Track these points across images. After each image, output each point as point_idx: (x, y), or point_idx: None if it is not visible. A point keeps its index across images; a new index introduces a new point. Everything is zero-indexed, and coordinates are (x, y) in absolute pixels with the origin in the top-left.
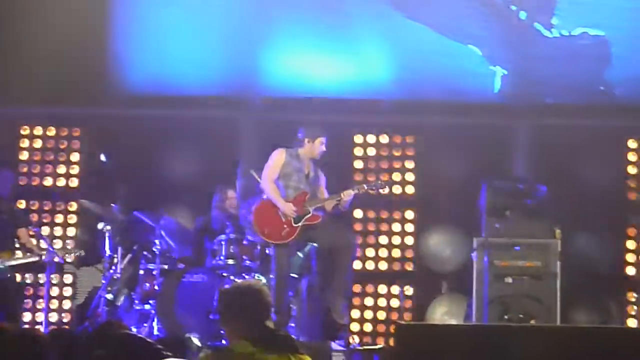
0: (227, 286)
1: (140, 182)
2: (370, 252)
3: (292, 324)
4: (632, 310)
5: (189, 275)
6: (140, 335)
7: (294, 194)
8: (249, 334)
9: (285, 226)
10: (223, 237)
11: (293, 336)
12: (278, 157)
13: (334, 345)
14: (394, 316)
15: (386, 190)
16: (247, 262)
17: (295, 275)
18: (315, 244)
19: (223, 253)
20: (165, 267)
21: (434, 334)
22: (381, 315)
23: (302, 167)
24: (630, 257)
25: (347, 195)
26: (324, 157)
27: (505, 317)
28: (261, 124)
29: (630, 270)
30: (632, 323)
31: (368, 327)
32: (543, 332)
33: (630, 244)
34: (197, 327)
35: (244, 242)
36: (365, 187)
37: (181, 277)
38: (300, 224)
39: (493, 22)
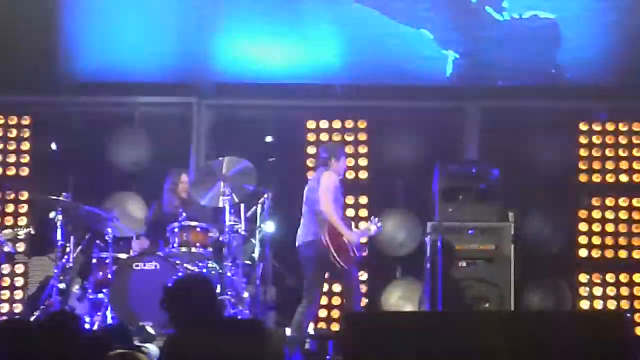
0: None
1: (92, 170)
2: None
3: (247, 311)
4: (584, 291)
5: (142, 264)
6: (89, 325)
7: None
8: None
9: (350, 254)
10: (176, 224)
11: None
12: (333, 181)
13: (289, 331)
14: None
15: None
16: (200, 249)
17: (249, 262)
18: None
19: (176, 241)
20: (118, 255)
21: (382, 321)
22: (336, 301)
23: (342, 189)
24: (582, 239)
25: (372, 231)
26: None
27: (460, 301)
28: (213, 110)
29: (582, 252)
30: (584, 305)
31: (323, 313)
32: (492, 317)
33: (582, 226)
34: (150, 315)
35: (197, 229)
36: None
37: (134, 265)
38: (361, 254)
39: (444, 6)
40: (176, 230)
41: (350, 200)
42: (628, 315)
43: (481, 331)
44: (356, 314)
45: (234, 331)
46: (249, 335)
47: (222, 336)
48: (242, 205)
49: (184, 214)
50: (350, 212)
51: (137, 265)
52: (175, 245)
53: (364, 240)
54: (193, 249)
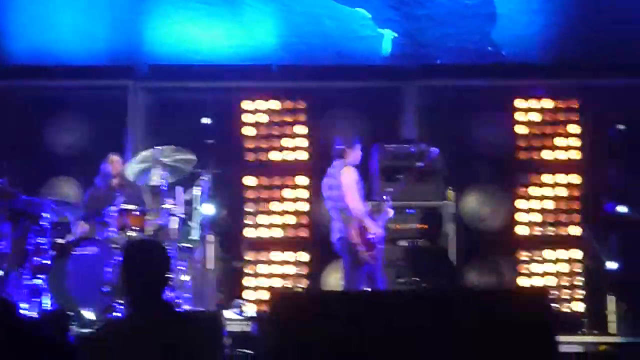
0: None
1: (27, 155)
2: (263, 219)
3: (187, 294)
4: (523, 269)
5: (79, 248)
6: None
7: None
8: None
9: (373, 249)
10: (113, 208)
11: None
12: (352, 175)
13: (229, 314)
14: (290, 283)
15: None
16: (139, 233)
17: (189, 246)
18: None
19: (114, 224)
20: (56, 240)
21: (312, 301)
22: (276, 282)
23: (361, 181)
24: (521, 217)
25: (390, 214)
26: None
27: (400, 280)
28: (148, 92)
29: (521, 230)
30: (523, 282)
31: (264, 295)
32: (423, 295)
33: (521, 204)
34: (89, 300)
35: (135, 212)
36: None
37: (72, 249)
38: (378, 248)
39: None
40: (113, 214)
41: (290, 181)
42: (552, 293)
43: (410, 310)
44: (286, 293)
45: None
46: (190, 324)
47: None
48: (179, 188)
49: (121, 198)
50: (289, 194)
51: (75, 250)
52: (113, 229)
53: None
54: (131, 233)
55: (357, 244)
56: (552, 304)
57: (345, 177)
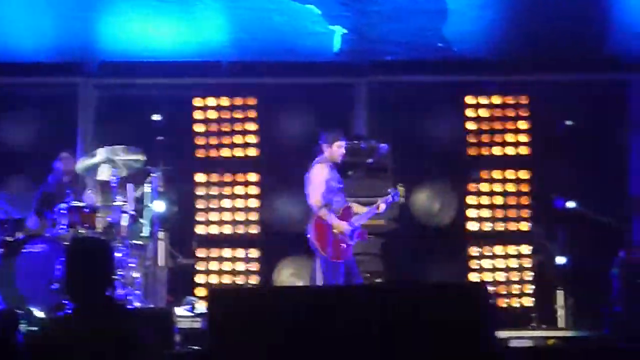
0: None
1: None
2: (214, 216)
3: (137, 292)
4: (474, 264)
5: (29, 246)
6: None
7: (341, 209)
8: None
9: (342, 244)
10: (64, 205)
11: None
12: (321, 173)
13: (180, 311)
14: (240, 280)
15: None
16: (89, 230)
17: (140, 243)
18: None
19: (64, 222)
20: (6, 238)
21: (249, 297)
22: (226, 279)
23: (337, 177)
24: (471, 213)
25: (382, 208)
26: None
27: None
28: (99, 89)
29: (471, 226)
30: (473, 277)
31: None
32: (357, 290)
33: (471, 200)
34: (39, 298)
35: (85, 210)
36: (392, 199)
37: (21, 247)
38: (353, 241)
39: None
40: (64, 211)
41: (240, 178)
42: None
43: (349, 305)
44: (222, 289)
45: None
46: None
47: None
48: (130, 185)
49: (71, 195)
50: (239, 190)
51: (24, 248)
52: (63, 226)
53: (364, 222)
54: (81, 230)
55: (314, 242)
56: (489, 299)
57: (312, 174)
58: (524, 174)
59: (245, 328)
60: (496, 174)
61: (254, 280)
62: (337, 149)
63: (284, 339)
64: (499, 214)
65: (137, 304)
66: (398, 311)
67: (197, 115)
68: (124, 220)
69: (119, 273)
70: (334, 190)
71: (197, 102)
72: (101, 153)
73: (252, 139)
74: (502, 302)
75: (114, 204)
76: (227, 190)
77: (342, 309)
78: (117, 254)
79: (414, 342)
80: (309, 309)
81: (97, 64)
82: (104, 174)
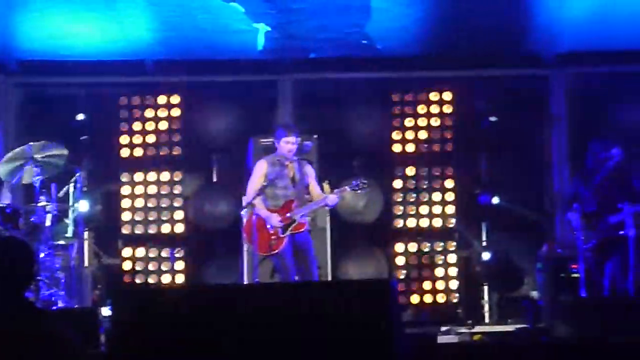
0: None
1: None
2: (139, 215)
3: (62, 292)
4: (400, 261)
5: None
6: None
7: (282, 202)
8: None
9: (273, 237)
10: None
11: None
12: (258, 168)
13: (106, 310)
14: (166, 279)
15: (366, 191)
16: (12, 230)
17: (63, 243)
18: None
19: None
20: None
21: (152, 297)
22: (153, 279)
23: (284, 171)
24: (397, 210)
25: (332, 201)
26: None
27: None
28: (21, 88)
29: (397, 222)
30: (400, 274)
31: None
32: (267, 290)
33: (397, 197)
34: None
35: (7, 210)
36: (348, 189)
37: None
38: (287, 233)
39: None
40: None
41: (165, 177)
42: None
43: (250, 304)
44: (125, 289)
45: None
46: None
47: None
48: (53, 185)
49: None
50: (165, 189)
51: None
52: None
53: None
54: (3, 231)
55: (243, 236)
56: (395, 295)
57: (254, 169)
58: (448, 171)
59: (146, 327)
60: (421, 171)
61: (180, 279)
62: (284, 145)
63: (183, 338)
64: (424, 210)
65: (62, 305)
66: (298, 310)
67: (122, 114)
68: (48, 221)
69: (43, 273)
70: (276, 185)
71: (122, 100)
72: (22, 152)
73: (176, 137)
74: (429, 299)
75: (38, 204)
76: (152, 189)
77: (243, 307)
78: (41, 255)
79: (314, 340)
80: (208, 307)
81: (17, 62)
82: (28, 176)
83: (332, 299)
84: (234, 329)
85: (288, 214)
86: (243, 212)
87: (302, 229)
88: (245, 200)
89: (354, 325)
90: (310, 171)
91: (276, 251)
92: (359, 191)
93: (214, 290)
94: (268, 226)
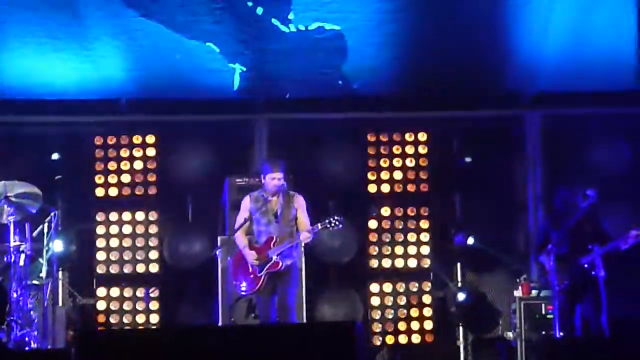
0: None
1: None
2: (114, 255)
3: (35, 332)
4: (375, 301)
5: None
6: None
7: (264, 239)
8: None
9: (251, 276)
10: None
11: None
12: (243, 203)
13: None
14: (141, 319)
15: (340, 227)
16: None
17: (37, 283)
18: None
19: None
20: None
21: (117, 339)
22: (127, 319)
23: (266, 207)
24: (372, 250)
25: (305, 238)
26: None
27: (252, 315)
28: None
29: (372, 262)
30: (375, 314)
31: None
32: (232, 332)
33: (372, 237)
34: None
35: None
36: (319, 226)
37: None
38: (263, 272)
39: (230, 19)
40: None
41: (140, 216)
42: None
43: (216, 346)
44: (89, 331)
45: None
46: None
47: None
48: (27, 225)
49: None
50: (140, 229)
51: None
52: None
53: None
54: None
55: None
56: (362, 337)
57: (241, 205)
58: (424, 211)
59: None
60: (397, 211)
61: (155, 319)
62: (269, 181)
63: None
64: (399, 250)
65: (35, 345)
66: (266, 352)
67: (97, 153)
68: (22, 261)
69: (15, 314)
70: (258, 221)
71: (97, 140)
72: None
73: (151, 177)
74: (403, 339)
75: (12, 244)
76: (127, 229)
77: (208, 349)
78: (14, 295)
79: None
80: (174, 350)
81: None
82: (1, 214)
83: (298, 341)
84: None
85: (266, 252)
86: (218, 252)
87: (278, 268)
88: (236, 237)
89: None
90: (299, 203)
91: (255, 290)
92: (331, 228)
93: (178, 332)
94: (249, 265)
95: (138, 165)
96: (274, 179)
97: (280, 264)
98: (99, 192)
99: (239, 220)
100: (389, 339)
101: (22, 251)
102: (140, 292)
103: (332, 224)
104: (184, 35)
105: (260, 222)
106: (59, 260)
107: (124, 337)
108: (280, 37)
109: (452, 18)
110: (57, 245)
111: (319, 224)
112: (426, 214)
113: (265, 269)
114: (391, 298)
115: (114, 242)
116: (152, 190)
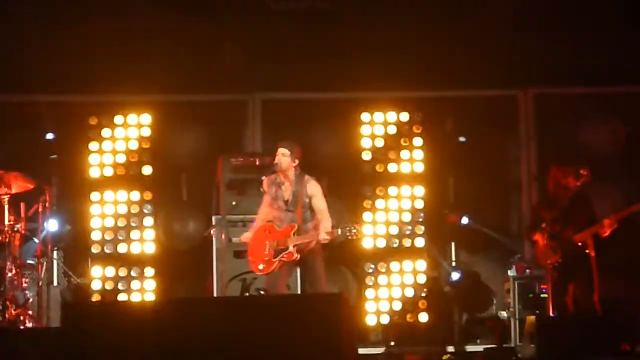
0: None
1: None
2: (109, 234)
3: (30, 312)
4: (370, 280)
5: None
6: None
7: (281, 225)
8: None
9: (265, 258)
10: None
11: None
12: (262, 186)
13: None
14: (136, 299)
15: (355, 236)
16: None
17: (32, 262)
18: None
19: None
20: None
21: (101, 311)
22: (123, 297)
23: (279, 191)
24: (366, 229)
25: (324, 239)
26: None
27: (246, 294)
28: None
29: (367, 242)
30: (369, 294)
31: None
32: (215, 303)
33: (366, 216)
34: None
35: None
36: (340, 232)
37: None
38: (277, 259)
39: None
40: None
41: (135, 196)
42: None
43: (197, 317)
44: (76, 304)
45: None
46: None
47: None
48: (21, 204)
49: None
50: (135, 208)
51: None
52: None
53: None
54: None
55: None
56: (348, 309)
57: None
58: (418, 190)
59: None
60: (391, 191)
61: (150, 298)
62: (276, 157)
63: (130, 350)
64: (394, 230)
65: (30, 324)
66: (251, 323)
67: (92, 133)
68: (16, 240)
69: (10, 293)
70: (274, 205)
71: (92, 120)
72: None
73: (147, 156)
74: (398, 319)
75: (6, 223)
76: (122, 209)
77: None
78: (9, 274)
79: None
80: (155, 322)
81: None
82: None
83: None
84: (176, 343)
85: (285, 239)
86: (212, 232)
87: (292, 259)
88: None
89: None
90: (313, 189)
91: (265, 273)
92: (350, 236)
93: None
94: (266, 245)
95: (133, 145)
96: (278, 154)
97: (296, 255)
98: (94, 172)
99: (265, 200)
100: (383, 319)
101: (17, 230)
102: (135, 272)
103: (351, 232)
104: None
105: (274, 205)
106: (54, 240)
107: (113, 310)
108: None
109: None
110: (52, 225)
111: (340, 230)
112: (421, 193)
113: (280, 256)
114: (385, 277)
115: (109, 222)
116: (148, 170)
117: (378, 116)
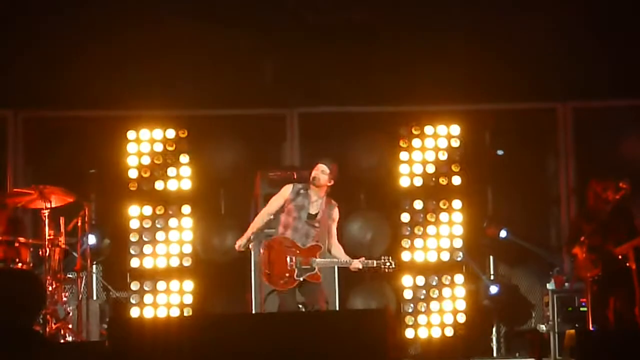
0: None
1: None
2: (147, 249)
3: (70, 325)
4: (408, 295)
5: None
6: None
7: (295, 236)
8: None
9: (287, 274)
10: None
11: None
12: (282, 191)
13: None
14: (176, 312)
15: (391, 269)
16: (20, 264)
17: (71, 276)
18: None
19: None
20: None
21: (146, 327)
22: (162, 312)
23: (306, 204)
24: (404, 242)
25: (354, 268)
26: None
27: (286, 306)
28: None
29: (405, 255)
30: (408, 307)
31: None
32: (249, 319)
33: (404, 230)
34: None
35: (16, 244)
36: (375, 264)
37: None
38: (302, 278)
39: None
40: None
41: (173, 210)
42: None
43: (245, 333)
44: (121, 319)
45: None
46: None
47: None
48: (61, 219)
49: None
50: (173, 223)
51: None
52: None
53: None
54: (12, 265)
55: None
56: (390, 324)
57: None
58: (456, 204)
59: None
60: (429, 204)
61: (188, 312)
62: (313, 172)
63: None
64: (432, 243)
65: (69, 338)
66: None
67: (130, 147)
68: (57, 254)
69: (51, 307)
70: (293, 215)
71: (130, 134)
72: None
73: (185, 171)
74: (436, 332)
75: (46, 237)
76: (161, 222)
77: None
78: (49, 288)
79: None
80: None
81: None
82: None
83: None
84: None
85: (310, 260)
86: (251, 246)
87: (316, 281)
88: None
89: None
90: (335, 216)
91: (284, 289)
92: (384, 269)
93: (208, 320)
94: (288, 259)
95: (171, 159)
96: (317, 170)
97: (320, 277)
98: (133, 186)
99: (272, 204)
100: (422, 332)
101: (57, 245)
102: (173, 286)
103: (386, 266)
104: None
105: (292, 215)
106: (93, 254)
107: (155, 325)
108: None
109: None
110: (91, 239)
111: (375, 262)
112: (459, 207)
113: (304, 276)
114: (423, 291)
115: (148, 236)
116: (186, 185)
117: (415, 129)
